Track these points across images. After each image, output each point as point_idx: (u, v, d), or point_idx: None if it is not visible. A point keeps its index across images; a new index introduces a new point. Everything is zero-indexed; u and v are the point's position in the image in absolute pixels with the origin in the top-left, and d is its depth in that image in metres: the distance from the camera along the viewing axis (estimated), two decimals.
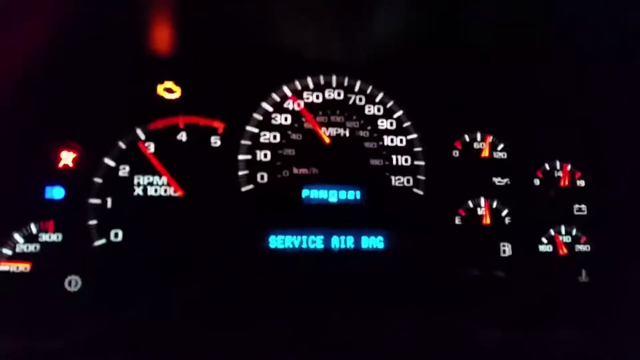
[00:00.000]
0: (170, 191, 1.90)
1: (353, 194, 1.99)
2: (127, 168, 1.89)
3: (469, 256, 1.96)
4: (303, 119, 2.05)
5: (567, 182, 2.07)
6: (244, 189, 1.95)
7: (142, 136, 1.93)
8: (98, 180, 1.86)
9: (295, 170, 1.99)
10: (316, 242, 1.93)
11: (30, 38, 1.69)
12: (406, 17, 1.82)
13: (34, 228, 1.79)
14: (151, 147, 1.93)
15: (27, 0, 1.51)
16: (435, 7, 1.75)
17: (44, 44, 1.76)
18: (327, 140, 2.03)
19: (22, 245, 1.78)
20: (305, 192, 1.97)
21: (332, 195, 1.98)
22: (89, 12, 1.68)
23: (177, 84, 1.98)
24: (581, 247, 2.00)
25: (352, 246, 1.94)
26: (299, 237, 1.92)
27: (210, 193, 1.92)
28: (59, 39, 1.76)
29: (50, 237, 1.79)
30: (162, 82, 1.98)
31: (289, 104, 2.05)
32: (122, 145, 1.90)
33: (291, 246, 1.91)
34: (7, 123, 1.80)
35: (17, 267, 1.75)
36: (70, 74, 1.89)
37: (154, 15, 1.76)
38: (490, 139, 2.10)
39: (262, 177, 1.97)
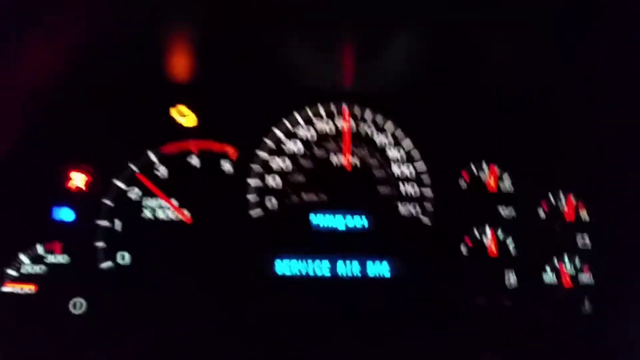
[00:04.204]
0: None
1: (361, 222, 2.00)
2: (138, 191, 1.89)
3: (475, 286, 1.96)
4: (314, 146, 2.07)
5: (571, 215, 2.09)
6: (252, 214, 1.95)
7: (155, 159, 1.93)
8: (107, 202, 1.85)
9: (304, 197, 2.00)
10: (322, 268, 1.93)
11: (45, 59, 1.70)
12: (416, 49, 1.86)
13: (40, 249, 1.77)
14: (163, 171, 1.93)
15: (42, 22, 1.52)
16: (444, 39, 1.80)
17: (58, 65, 1.77)
18: (347, 164, 2.05)
19: (27, 267, 1.75)
20: (313, 219, 1.98)
21: (340, 223, 1.99)
22: (106, 34, 1.69)
23: (191, 108, 2.00)
24: (584, 279, 2.02)
25: (359, 274, 1.94)
26: (305, 263, 1.92)
27: (219, 218, 1.92)
28: (74, 60, 1.77)
29: (56, 258, 1.77)
30: (176, 106, 1.99)
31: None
32: (133, 167, 1.90)
33: (297, 272, 1.90)
34: (19, 143, 1.79)
35: (22, 289, 1.72)
36: (85, 93, 1.90)
37: (171, 40, 1.77)
38: (495, 168, 2.12)
39: (271, 203, 1.98)
